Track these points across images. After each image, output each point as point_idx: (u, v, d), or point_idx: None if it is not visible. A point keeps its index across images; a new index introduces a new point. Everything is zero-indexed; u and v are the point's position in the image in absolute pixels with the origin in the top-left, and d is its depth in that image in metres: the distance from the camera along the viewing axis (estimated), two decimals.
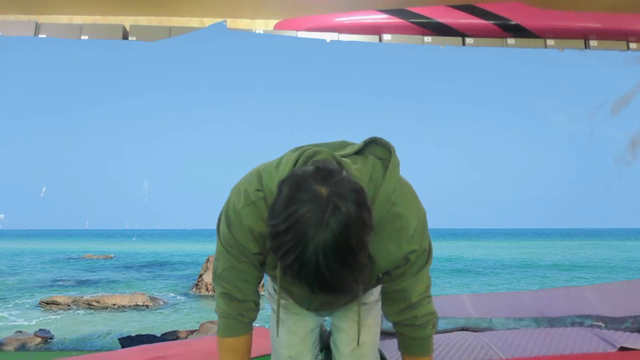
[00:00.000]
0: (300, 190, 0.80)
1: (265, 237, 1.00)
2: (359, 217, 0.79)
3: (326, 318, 1.40)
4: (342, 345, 1.30)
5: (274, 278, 1.15)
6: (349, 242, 0.78)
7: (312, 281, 0.79)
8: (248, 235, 1.01)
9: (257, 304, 1.13)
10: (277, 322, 1.15)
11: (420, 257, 1.04)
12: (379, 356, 1.38)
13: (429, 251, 1.07)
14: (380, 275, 1.08)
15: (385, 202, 0.96)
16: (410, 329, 1.11)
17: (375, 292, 1.29)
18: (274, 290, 1.32)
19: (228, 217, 1.03)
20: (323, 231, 0.76)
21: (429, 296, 1.10)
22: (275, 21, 3.09)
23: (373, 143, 1.03)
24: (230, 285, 1.08)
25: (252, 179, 1.02)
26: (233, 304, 1.09)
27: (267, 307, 1.38)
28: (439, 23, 2.97)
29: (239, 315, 1.10)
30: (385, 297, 1.12)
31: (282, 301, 1.30)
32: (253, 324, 1.16)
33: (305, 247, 0.77)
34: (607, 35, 3.07)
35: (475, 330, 2.41)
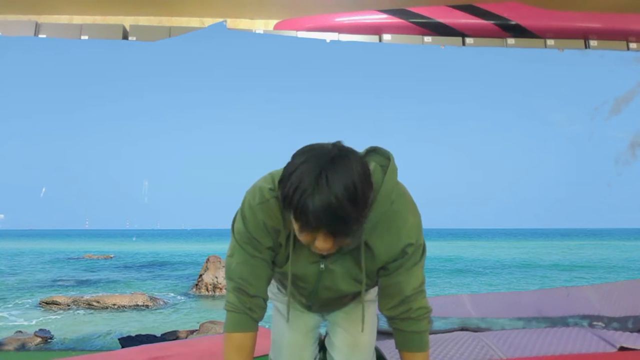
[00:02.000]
0: (308, 148, 0.94)
1: (278, 232, 1.09)
2: (363, 168, 0.91)
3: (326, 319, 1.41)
4: (339, 342, 1.33)
5: (283, 276, 1.18)
6: (354, 178, 0.88)
7: (320, 213, 0.86)
8: (262, 228, 1.08)
9: (265, 302, 1.16)
10: (289, 309, 1.19)
11: (416, 251, 1.10)
12: (375, 355, 1.39)
13: (423, 247, 1.13)
14: (378, 272, 1.13)
15: (385, 200, 1.04)
16: (405, 323, 1.14)
17: (373, 291, 1.31)
18: (278, 289, 1.36)
19: (244, 214, 1.10)
20: (330, 165, 0.88)
21: (423, 291, 1.15)
22: (275, 21, 3.09)
23: (374, 152, 1.11)
24: (242, 279, 1.11)
25: (266, 180, 1.10)
26: (244, 297, 1.12)
27: (268, 307, 1.40)
28: (439, 23, 2.97)
29: (249, 309, 1.12)
30: (381, 293, 1.17)
31: (286, 298, 1.32)
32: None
33: (314, 179, 0.86)
34: (607, 35, 3.07)
35: (475, 330, 2.41)
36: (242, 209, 1.11)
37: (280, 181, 0.93)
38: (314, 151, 0.92)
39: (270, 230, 1.08)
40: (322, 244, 0.93)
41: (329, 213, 0.86)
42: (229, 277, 1.14)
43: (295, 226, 0.94)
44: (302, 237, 0.96)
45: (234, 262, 1.13)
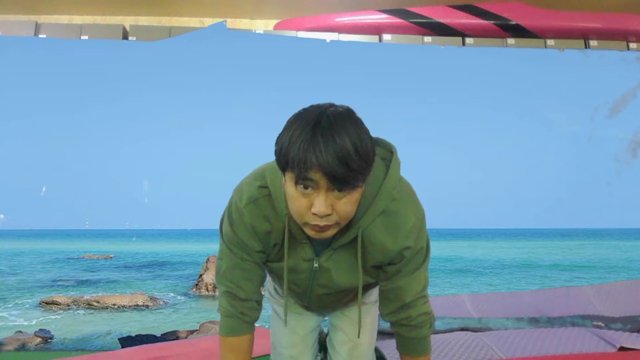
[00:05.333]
0: (305, 107, 0.88)
1: (268, 234, 1.02)
2: (364, 127, 0.87)
3: (325, 318, 1.40)
4: (339, 344, 1.31)
5: (278, 276, 1.15)
6: (358, 131, 0.83)
7: (324, 156, 0.79)
8: (250, 233, 1.02)
9: (259, 303, 1.13)
10: (286, 312, 1.15)
11: (416, 256, 1.04)
12: (374, 357, 1.38)
13: (426, 251, 1.07)
14: (378, 273, 1.08)
15: (387, 197, 0.98)
16: (406, 329, 1.11)
17: (375, 293, 1.29)
18: (275, 290, 1.33)
19: (230, 216, 1.04)
20: (333, 116, 0.83)
21: (425, 296, 1.10)
22: (275, 21, 3.10)
23: (375, 143, 1.04)
24: (233, 284, 1.08)
25: (255, 176, 1.03)
26: (235, 302, 1.09)
27: (267, 307, 1.39)
28: (439, 23, 2.97)
29: (241, 314, 1.10)
30: (381, 297, 1.13)
31: (284, 300, 1.30)
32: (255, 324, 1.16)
33: (316, 126, 0.81)
34: (607, 35, 3.07)
35: (475, 330, 2.41)
36: (229, 210, 1.05)
37: (277, 139, 0.87)
38: (311, 107, 0.87)
39: (259, 234, 1.02)
40: (321, 202, 0.84)
41: (334, 156, 0.79)
42: (219, 281, 1.11)
43: (291, 187, 0.86)
44: (297, 202, 0.86)
45: (223, 265, 1.08)
